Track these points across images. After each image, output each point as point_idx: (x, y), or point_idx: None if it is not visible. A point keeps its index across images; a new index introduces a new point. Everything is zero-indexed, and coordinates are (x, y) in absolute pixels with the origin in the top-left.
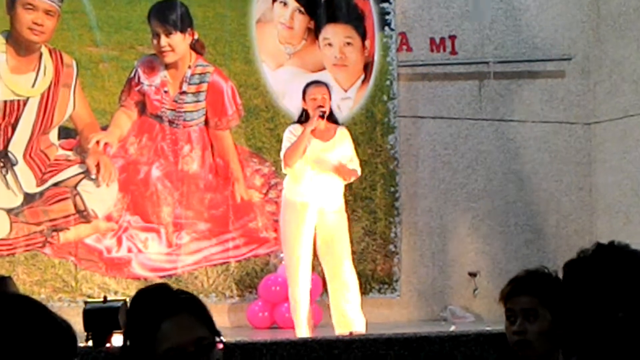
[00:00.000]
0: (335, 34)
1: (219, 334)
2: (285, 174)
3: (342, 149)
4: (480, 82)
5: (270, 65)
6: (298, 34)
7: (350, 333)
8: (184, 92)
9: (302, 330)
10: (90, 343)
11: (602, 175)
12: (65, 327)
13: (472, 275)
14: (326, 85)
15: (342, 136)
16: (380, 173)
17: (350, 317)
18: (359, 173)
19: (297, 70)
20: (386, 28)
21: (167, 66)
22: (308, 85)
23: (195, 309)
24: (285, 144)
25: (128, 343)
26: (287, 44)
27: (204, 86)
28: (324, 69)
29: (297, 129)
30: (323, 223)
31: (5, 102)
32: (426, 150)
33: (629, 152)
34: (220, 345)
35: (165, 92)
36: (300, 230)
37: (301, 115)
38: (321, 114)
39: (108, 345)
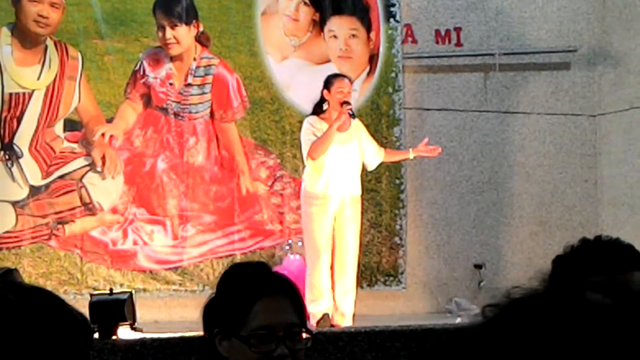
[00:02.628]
0: (340, 26)
1: (306, 324)
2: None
3: (358, 139)
4: (485, 74)
5: (275, 57)
6: (303, 26)
7: (325, 315)
8: (189, 85)
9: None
10: (96, 335)
11: (607, 167)
12: (81, 319)
13: (478, 267)
14: (350, 79)
15: (357, 127)
16: (385, 165)
17: (338, 304)
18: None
19: (302, 62)
20: (391, 20)
21: (172, 58)
22: (334, 77)
23: (291, 293)
24: (308, 137)
25: (214, 316)
26: (292, 36)
27: (209, 78)
28: (329, 61)
29: (316, 121)
30: (342, 211)
31: (10, 94)
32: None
33: (634, 144)
34: (306, 335)
35: (171, 84)
36: (322, 222)
37: (319, 106)
38: (351, 112)
39: (114, 337)
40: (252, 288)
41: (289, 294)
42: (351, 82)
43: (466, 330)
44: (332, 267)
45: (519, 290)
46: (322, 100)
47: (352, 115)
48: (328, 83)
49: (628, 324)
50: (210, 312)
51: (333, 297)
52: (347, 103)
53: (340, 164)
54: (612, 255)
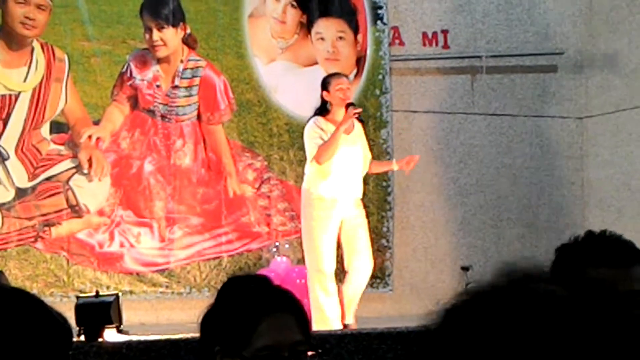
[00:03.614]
0: (327, 28)
1: (311, 341)
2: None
3: (361, 141)
4: (472, 76)
5: (262, 59)
6: (290, 28)
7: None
8: (176, 87)
9: (333, 323)
10: (82, 338)
11: (594, 170)
12: (60, 321)
13: (465, 269)
14: (346, 77)
15: (360, 128)
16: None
17: (346, 308)
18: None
19: (290, 64)
20: (378, 22)
21: (159, 60)
22: (330, 76)
23: (296, 310)
24: (316, 140)
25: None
26: (279, 38)
27: (197, 80)
28: (316, 63)
29: (321, 122)
30: (349, 215)
31: None
32: (418, 145)
33: (621, 146)
34: (312, 353)
35: (158, 86)
36: (327, 225)
37: (322, 109)
38: (358, 115)
39: (100, 339)
40: (256, 306)
41: (293, 311)
42: (347, 78)
43: (427, 331)
44: (344, 271)
45: (476, 286)
46: (324, 102)
47: (361, 120)
48: (325, 84)
49: (581, 314)
50: (210, 326)
51: (341, 302)
52: (353, 105)
53: (346, 166)
54: (615, 248)
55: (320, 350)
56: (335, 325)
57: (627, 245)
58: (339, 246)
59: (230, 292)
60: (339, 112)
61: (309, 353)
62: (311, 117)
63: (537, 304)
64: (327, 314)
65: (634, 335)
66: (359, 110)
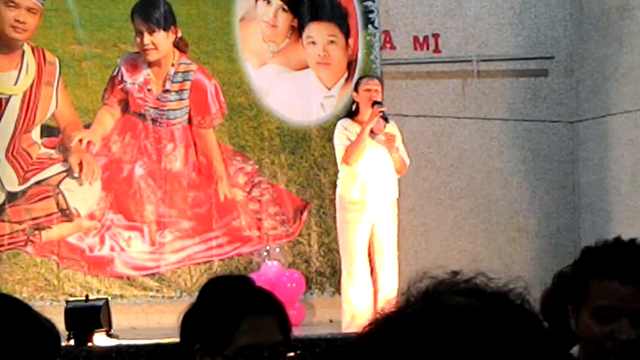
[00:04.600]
0: (318, 32)
1: (290, 342)
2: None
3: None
4: (463, 80)
5: (253, 63)
6: (281, 32)
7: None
8: (167, 91)
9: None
10: (72, 342)
11: (585, 174)
12: (48, 327)
13: (455, 274)
14: (379, 79)
15: (391, 130)
16: None
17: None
18: (407, 166)
19: (281, 68)
20: (370, 26)
21: (150, 64)
22: (361, 77)
23: (277, 310)
24: (341, 141)
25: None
26: (270, 42)
27: (188, 84)
28: (307, 67)
29: (349, 124)
30: (381, 216)
31: None
32: (409, 149)
33: (611, 150)
34: (292, 354)
35: (149, 90)
36: (359, 228)
37: (352, 109)
38: (383, 115)
39: (90, 344)
40: (238, 306)
41: (274, 312)
42: (380, 81)
43: (346, 346)
44: (372, 273)
45: (398, 299)
46: (354, 103)
47: (385, 119)
48: (356, 84)
49: (489, 323)
50: (191, 325)
51: (375, 302)
52: (379, 104)
53: (376, 167)
54: (634, 262)
55: (299, 352)
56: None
57: None
58: (370, 249)
59: (212, 291)
60: (366, 113)
61: (289, 354)
62: (339, 119)
63: (447, 315)
64: (360, 317)
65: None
66: (384, 108)
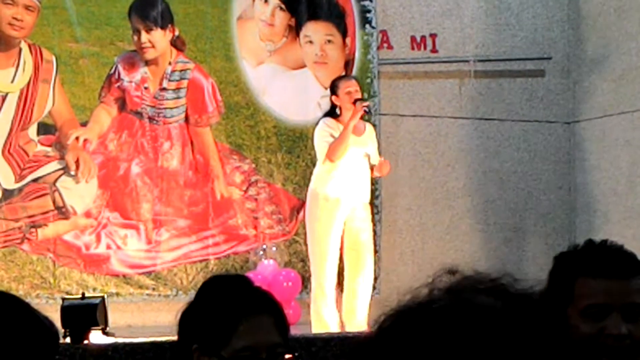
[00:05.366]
0: (316, 31)
1: (288, 343)
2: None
3: (372, 144)
4: (460, 80)
5: (250, 62)
6: (279, 31)
7: None
8: (164, 89)
9: (331, 325)
10: (68, 340)
11: (582, 174)
12: (47, 324)
13: (452, 273)
14: (355, 79)
15: (371, 131)
16: None
17: (358, 314)
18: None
19: (278, 67)
20: (367, 26)
21: (147, 62)
22: (338, 80)
23: (275, 311)
24: (326, 138)
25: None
26: (267, 41)
27: (185, 83)
28: (304, 66)
29: (332, 122)
30: (353, 217)
31: None
32: (406, 149)
33: (608, 151)
34: (290, 356)
35: (146, 88)
36: (331, 226)
37: (331, 111)
38: (367, 109)
39: (86, 342)
40: (236, 307)
41: (272, 312)
42: (357, 80)
43: (362, 341)
44: (342, 277)
45: (414, 296)
46: (333, 106)
47: (368, 112)
48: (334, 88)
49: (514, 325)
50: (188, 324)
51: (340, 302)
52: (361, 100)
53: (353, 168)
54: (615, 259)
55: (297, 354)
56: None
57: (627, 256)
58: (341, 250)
59: (211, 291)
60: (348, 114)
61: (287, 356)
62: (320, 118)
63: (471, 315)
64: (324, 318)
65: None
66: (367, 103)
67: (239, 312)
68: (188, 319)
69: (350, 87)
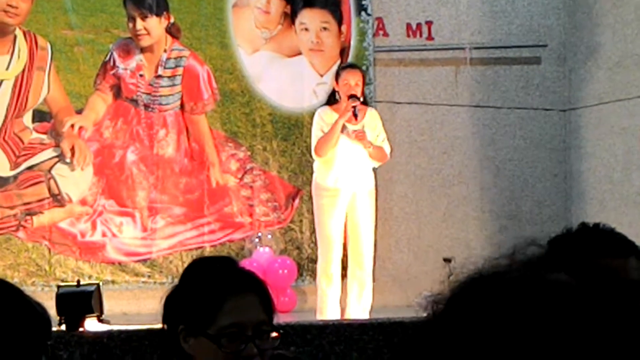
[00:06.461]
0: (311, 18)
1: (273, 322)
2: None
3: (371, 130)
4: (456, 68)
5: (246, 49)
6: (274, 18)
7: None
8: (159, 76)
9: (333, 311)
10: (63, 327)
11: (577, 162)
12: (40, 311)
13: (447, 261)
14: (360, 70)
15: (372, 117)
16: None
17: (354, 298)
18: (389, 155)
19: (273, 54)
20: (362, 13)
21: (142, 50)
22: (342, 68)
23: (260, 290)
24: (317, 132)
25: (179, 311)
26: (263, 28)
27: (180, 70)
28: (300, 53)
29: (327, 113)
30: (354, 206)
31: None
32: (402, 136)
33: (603, 139)
34: (275, 334)
35: (141, 75)
36: (333, 214)
37: (331, 97)
38: (354, 111)
39: (81, 329)
40: (221, 286)
41: (257, 291)
42: (361, 71)
43: (425, 321)
44: (346, 260)
45: (478, 271)
46: (334, 92)
47: (355, 115)
48: (337, 75)
49: (590, 303)
50: (174, 306)
51: (345, 289)
52: (355, 98)
53: (351, 158)
54: (613, 239)
55: (282, 331)
56: (332, 316)
57: (621, 237)
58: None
59: (195, 273)
60: (343, 106)
61: (273, 334)
62: (320, 106)
63: (548, 292)
64: (327, 304)
65: None
66: (356, 103)
67: (224, 290)
68: (173, 302)
69: (349, 80)
